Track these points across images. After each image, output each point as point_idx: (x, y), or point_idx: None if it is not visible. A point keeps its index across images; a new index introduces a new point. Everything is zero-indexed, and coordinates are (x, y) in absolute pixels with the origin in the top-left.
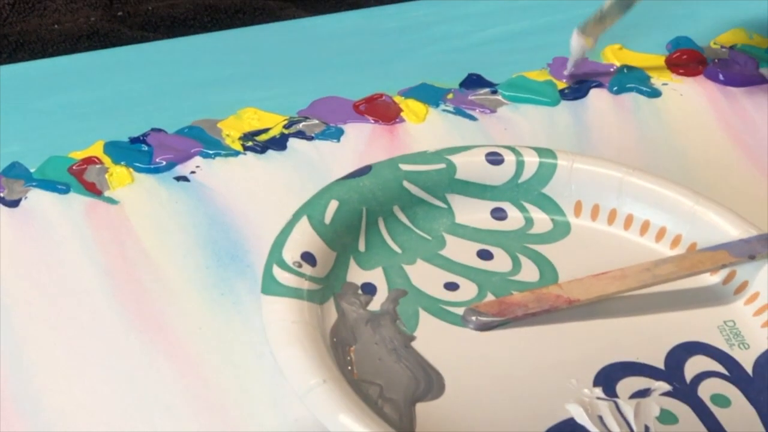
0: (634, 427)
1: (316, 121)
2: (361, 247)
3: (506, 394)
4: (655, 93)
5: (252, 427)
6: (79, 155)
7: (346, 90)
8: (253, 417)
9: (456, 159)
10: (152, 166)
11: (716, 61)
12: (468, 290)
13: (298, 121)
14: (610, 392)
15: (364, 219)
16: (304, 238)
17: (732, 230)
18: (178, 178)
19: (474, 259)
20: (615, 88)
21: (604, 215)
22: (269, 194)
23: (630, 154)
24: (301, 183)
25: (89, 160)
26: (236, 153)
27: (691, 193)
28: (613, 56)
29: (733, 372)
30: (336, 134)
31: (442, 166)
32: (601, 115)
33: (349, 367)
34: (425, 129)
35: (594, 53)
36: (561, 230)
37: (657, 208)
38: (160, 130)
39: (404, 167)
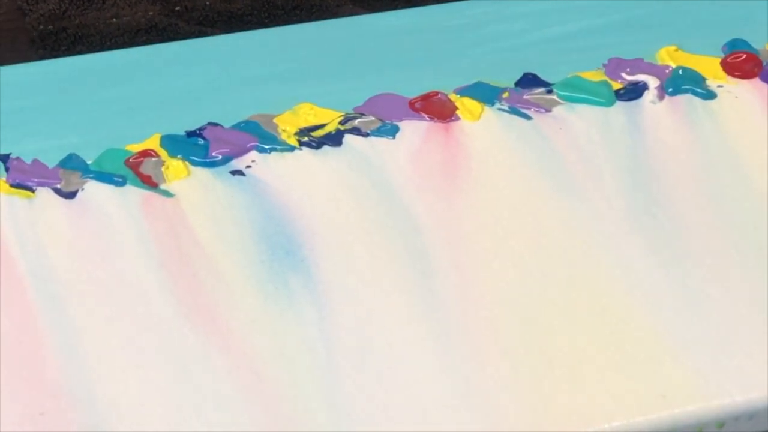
0: None
1: (372, 118)
2: None
3: None
4: (710, 95)
5: (304, 421)
6: (135, 148)
7: (401, 87)
8: (306, 412)
9: None
10: (208, 160)
11: None
12: None
13: (354, 118)
14: None
15: None
16: None
17: None
18: (234, 172)
19: None
20: (670, 90)
21: None
22: (324, 189)
23: (684, 155)
24: (356, 179)
25: (146, 153)
26: (292, 148)
27: None
28: (669, 57)
29: None
30: (391, 131)
31: None
32: (656, 116)
33: None
34: (480, 127)
35: (649, 54)
36: None
37: None
38: (216, 125)
39: None
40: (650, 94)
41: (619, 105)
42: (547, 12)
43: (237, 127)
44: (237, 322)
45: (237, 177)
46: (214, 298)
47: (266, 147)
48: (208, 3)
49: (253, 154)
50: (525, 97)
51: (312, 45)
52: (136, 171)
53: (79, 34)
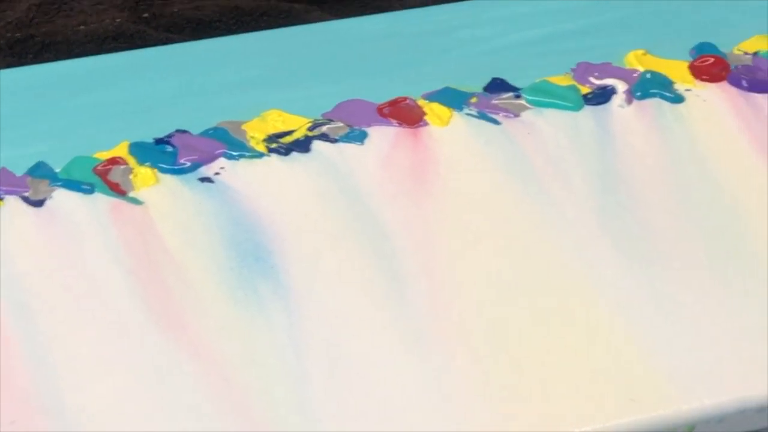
0: None
1: (340, 124)
2: None
3: None
4: (678, 99)
5: (275, 427)
6: (104, 156)
7: (370, 93)
8: (277, 417)
9: None
10: (177, 167)
11: (739, 67)
12: None
13: (323, 124)
14: None
15: None
16: None
17: None
18: (203, 179)
19: None
20: (638, 94)
21: None
22: (293, 196)
23: (652, 159)
24: (324, 185)
25: (114, 161)
26: (260, 155)
27: None
28: (637, 61)
29: None
30: (360, 137)
31: None
32: (624, 120)
33: None
34: (449, 133)
35: (618, 59)
36: None
37: None
38: (184, 132)
39: None
40: (618, 98)
41: (588, 109)
42: (515, 17)
43: (205, 134)
44: (207, 328)
45: (206, 184)
46: (184, 305)
47: (235, 154)
48: (176, 10)
49: (222, 161)
50: (493, 102)
51: (280, 51)
52: (105, 178)
53: (47, 41)
